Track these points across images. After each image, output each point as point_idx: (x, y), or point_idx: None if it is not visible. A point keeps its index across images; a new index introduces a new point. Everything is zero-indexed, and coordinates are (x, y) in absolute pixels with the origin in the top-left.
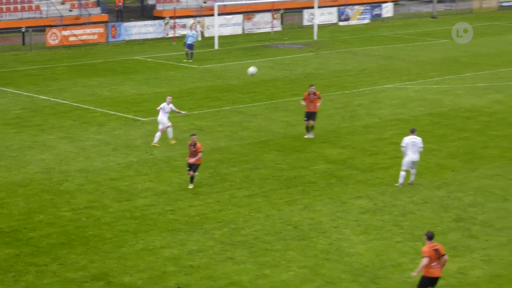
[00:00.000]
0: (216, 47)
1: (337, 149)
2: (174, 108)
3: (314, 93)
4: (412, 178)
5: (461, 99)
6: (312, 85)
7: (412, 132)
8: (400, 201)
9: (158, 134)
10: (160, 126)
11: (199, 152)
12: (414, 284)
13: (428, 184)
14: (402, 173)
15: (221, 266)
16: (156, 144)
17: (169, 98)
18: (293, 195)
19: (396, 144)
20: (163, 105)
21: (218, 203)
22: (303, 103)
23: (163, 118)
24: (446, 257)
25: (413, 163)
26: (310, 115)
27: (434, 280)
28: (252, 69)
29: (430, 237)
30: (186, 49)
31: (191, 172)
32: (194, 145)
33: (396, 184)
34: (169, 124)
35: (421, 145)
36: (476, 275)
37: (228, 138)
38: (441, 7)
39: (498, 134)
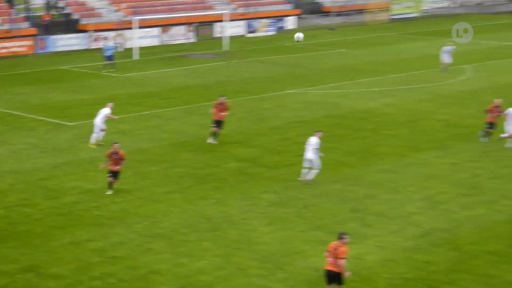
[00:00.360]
0: (136, 57)
1: (247, 148)
2: (109, 114)
3: (223, 103)
4: (310, 176)
5: (356, 102)
6: (222, 96)
7: (315, 133)
8: (303, 195)
9: (95, 135)
10: (96, 129)
11: (123, 159)
12: (315, 269)
13: (328, 179)
14: (304, 170)
15: (142, 256)
16: (101, 143)
17: (110, 104)
18: (206, 191)
19: (299, 144)
20: (107, 110)
21: (139, 199)
22: (212, 111)
23: (99, 122)
24: (341, 261)
25: (309, 161)
26: (217, 123)
27: (329, 273)
28: (300, 36)
29: (339, 238)
30: (106, 61)
31: (112, 179)
32: (117, 153)
33: (298, 179)
34: (105, 128)
35: (315, 146)
36: (371, 260)
37: (148, 140)
38: (338, 20)
39: (389, 134)
